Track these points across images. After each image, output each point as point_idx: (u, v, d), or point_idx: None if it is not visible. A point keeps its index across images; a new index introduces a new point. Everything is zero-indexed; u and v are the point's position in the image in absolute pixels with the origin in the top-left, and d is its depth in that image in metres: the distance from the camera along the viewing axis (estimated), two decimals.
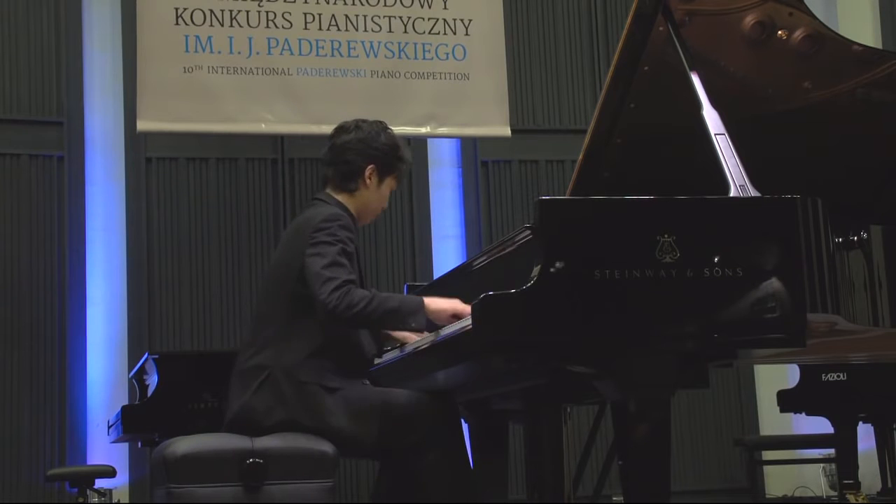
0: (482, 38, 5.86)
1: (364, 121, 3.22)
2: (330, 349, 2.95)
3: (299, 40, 5.59)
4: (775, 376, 6.34)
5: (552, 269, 2.33)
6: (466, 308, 2.89)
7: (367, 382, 3.10)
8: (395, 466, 3.12)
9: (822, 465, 6.52)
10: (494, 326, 2.33)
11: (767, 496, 6.60)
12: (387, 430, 2.92)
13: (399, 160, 3.19)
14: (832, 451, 5.59)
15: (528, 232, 2.56)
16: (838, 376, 5.03)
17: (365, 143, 3.14)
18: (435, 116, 5.76)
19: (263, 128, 5.54)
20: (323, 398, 2.90)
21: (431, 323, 2.93)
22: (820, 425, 5.39)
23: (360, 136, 3.15)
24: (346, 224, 3.01)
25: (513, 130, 5.95)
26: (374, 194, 3.16)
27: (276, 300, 3.03)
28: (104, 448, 5.71)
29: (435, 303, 2.91)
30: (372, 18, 5.70)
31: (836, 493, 5.84)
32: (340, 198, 3.14)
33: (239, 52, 5.51)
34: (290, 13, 5.59)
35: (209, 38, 5.48)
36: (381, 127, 3.21)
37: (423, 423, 2.93)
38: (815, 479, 6.67)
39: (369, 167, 3.13)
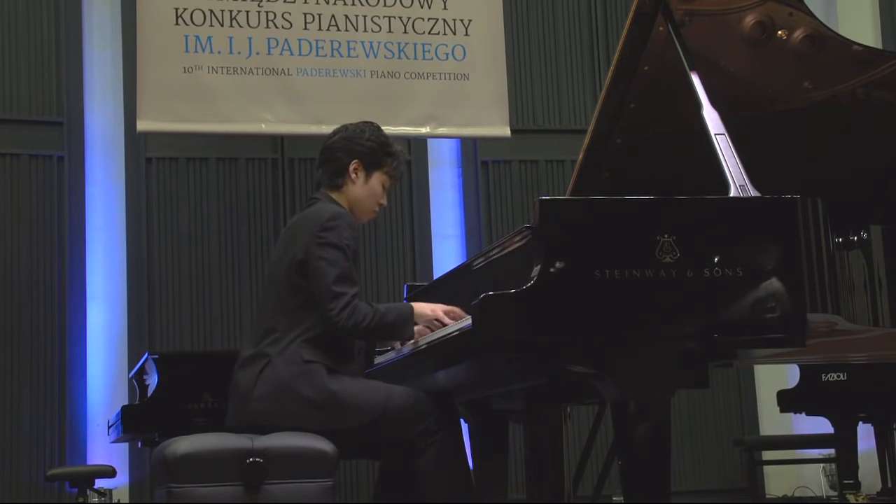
0: (482, 39, 5.85)
1: (353, 123, 3.30)
2: (330, 339, 3.00)
3: (299, 40, 5.59)
4: (775, 376, 6.34)
5: (552, 269, 2.34)
6: (452, 310, 3.01)
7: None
8: (394, 467, 3.13)
9: (822, 465, 6.52)
10: (494, 326, 2.33)
11: (767, 496, 6.60)
12: (386, 416, 2.94)
13: (386, 155, 3.23)
14: (832, 451, 5.59)
15: (528, 232, 2.56)
16: (838, 376, 5.02)
17: (349, 140, 3.21)
18: (435, 116, 5.75)
19: (263, 128, 5.54)
20: (325, 373, 2.96)
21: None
22: (820, 425, 5.39)
23: (345, 134, 3.23)
24: (351, 222, 3.08)
25: (513, 130, 5.95)
26: (362, 190, 3.21)
27: (278, 294, 3.08)
28: (104, 448, 5.70)
29: (420, 308, 3.05)
30: (372, 18, 5.70)
31: (836, 493, 5.84)
32: (333, 195, 3.20)
33: (239, 53, 5.50)
34: (290, 13, 5.59)
35: (209, 38, 5.48)
36: (369, 125, 3.28)
37: (420, 420, 2.95)
38: (815, 479, 6.67)
39: (353, 162, 3.19)
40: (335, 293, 2.94)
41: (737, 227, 2.49)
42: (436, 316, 3.02)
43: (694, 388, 2.58)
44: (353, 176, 3.19)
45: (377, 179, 3.22)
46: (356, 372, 3.11)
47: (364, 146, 3.20)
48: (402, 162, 3.29)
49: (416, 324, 3.03)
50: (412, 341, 3.04)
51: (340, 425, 2.89)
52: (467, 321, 2.48)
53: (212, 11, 5.49)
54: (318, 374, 2.95)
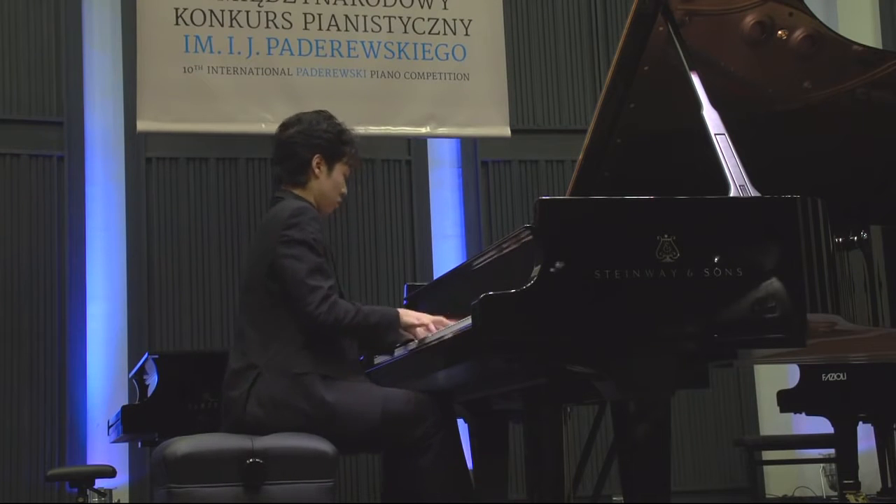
0: (482, 38, 5.85)
1: (305, 113, 3.27)
2: (317, 343, 2.97)
3: (299, 40, 5.59)
4: (775, 376, 6.34)
5: (552, 269, 2.34)
6: (440, 320, 2.98)
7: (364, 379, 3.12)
8: (392, 467, 3.12)
9: (822, 465, 6.52)
10: (494, 326, 2.33)
11: (767, 496, 6.60)
12: (385, 424, 2.93)
13: (344, 144, 3.20)
14: (832, 451, 5.59)
15: (528, 232, 2.56)
16: (838, 376, 5.02)
17: (307, 135, 3.17)
18: (435, 116, 5.75)
19: (263, 128, 5.53)
20: (320, 384, 2.92)
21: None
22: (820, 425, 5.39)
23: (301, 128, 3.19)
24: (315, 216, 3.04)
25: (513, 130, 5.95)
26: (326, 183, 3.18)
27: (254, 301, 3.04)
28: (104, 448, 5.71)
29: (407, 316, 3.02)
30: (372, 18, 5.70)
31: (836, 493, 5.84)
32: (296, 192, 3.16)
33: (239, 52, 5.50)
34: (290, 13, 5.59)
35: (209, 38, 5.48)
36: (323, 116, 3.24)
37: (419, 422, 2.93)
38: (815, 479, 6.67)
39: (315, 157, 3.16)
40: (310, 287, 2.90)
41: (737, 227, 2.49)
42: (421, 323, 3.00)
43: (694, 388, 2.58)
44: (317, 171, 3.16)
45: (339, 171, 3.20)
46: (354, 369, 3.08)
47: (323, 138, 3.17)
48: (359, 147, 3.26)
49: (399, 331, 3.01)
50: (413, 342, 3.03)
51: (338, 436, 2.88)
52: (467, 321, 2.48)
53: (212, 11, 5.49)
54: (312, 386, 2.91)
